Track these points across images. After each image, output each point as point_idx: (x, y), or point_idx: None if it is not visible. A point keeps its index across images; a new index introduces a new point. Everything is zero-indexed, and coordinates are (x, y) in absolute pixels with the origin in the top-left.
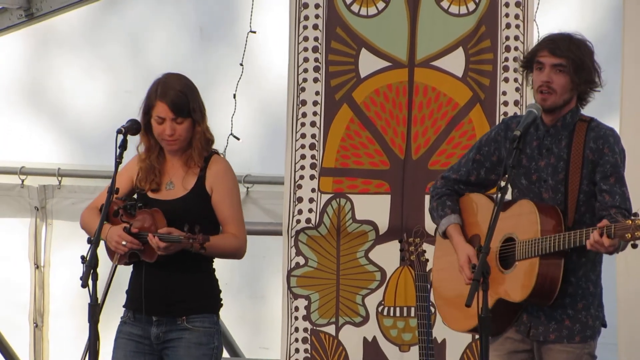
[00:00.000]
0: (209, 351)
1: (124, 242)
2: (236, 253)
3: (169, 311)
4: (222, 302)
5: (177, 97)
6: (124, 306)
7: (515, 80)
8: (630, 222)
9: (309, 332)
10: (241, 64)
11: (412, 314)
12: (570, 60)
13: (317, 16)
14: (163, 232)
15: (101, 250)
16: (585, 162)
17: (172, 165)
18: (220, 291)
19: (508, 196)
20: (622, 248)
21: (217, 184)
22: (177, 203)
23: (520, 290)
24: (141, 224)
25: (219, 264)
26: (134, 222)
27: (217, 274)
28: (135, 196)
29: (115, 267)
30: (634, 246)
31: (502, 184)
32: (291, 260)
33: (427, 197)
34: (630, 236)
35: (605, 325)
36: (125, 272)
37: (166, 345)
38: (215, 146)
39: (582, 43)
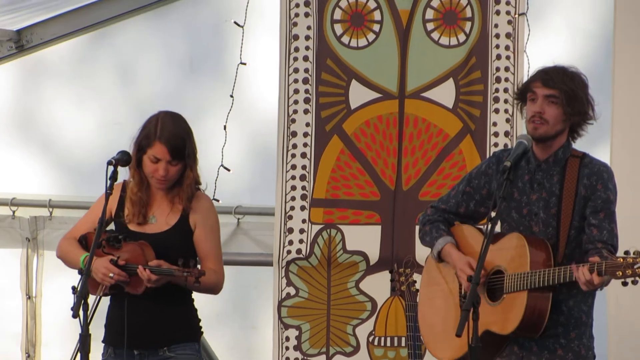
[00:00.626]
0: None
1: (111, 274)
2: (215, 288)
3: (150, 342)
4: (202, 329)
5: (176, 141)
6: (103, 342)
7: (506, 111)
8: (622, 260)
9: None
10: (231, 96)
11: (403, 344)
12: (563, 92)
13: (307, 48)
14: (154, 264)
15: None
16: (578, 198)
17: (156, 199)
18: (199, 320)
19: (497, 229)
20: (607, 284)
21: (201, 221)
22: (160, 237)
23: (508, 323)
24: (128, 255)
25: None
26: (120, 254)
27: (209, 304)
28: (112, 227)
29: (99, 299)
30: (625, 284)
31: (493, 214)
32: (282, 291)
33: (418, 228)
34: (621, 274)
35: (595, 357)
36: (102, 305)
37: None
38: (205, 178)
39: (576, 75)
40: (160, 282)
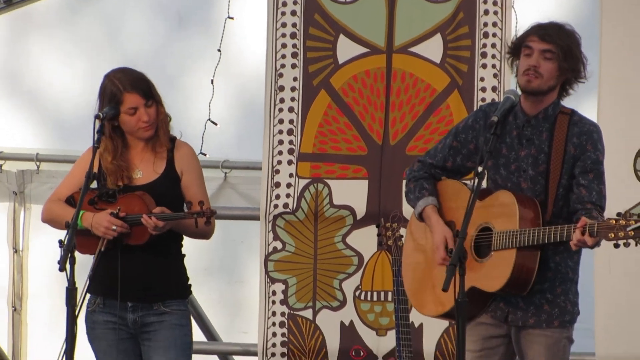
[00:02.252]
0: (189, 332)
1: (114, 227)
2: (208, 232)
3: (145, 296)
4: (191, 288)
5: (140, 84)
6: (89, 292)
7: (494, 66)
8: (614, 221)
9: (286, 317)
10: (219, 50)
11: (389, 299)
12: (559, 47)
13: (295, 2)
14: (157, 211)
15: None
16: (567, 156)
17: (135, 155)
18: (188, 278)
19: (483, 185)
20: (597, 245)
21: (187, 167)
22: (153, 185)
23: (495, 280)
24: (126, 207)
25: (199, 248)
26: (118, 206)
27: (197, 259)
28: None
29: (101, 253)
30: (616, 246)
31: (480, 169)
32: (269, 245)
33: (405, 183)
34: (613, 236)
35: (578, 313)
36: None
37: (145, 329)
38: (193, 131)
39: (571, 33)
40: (165, 229)
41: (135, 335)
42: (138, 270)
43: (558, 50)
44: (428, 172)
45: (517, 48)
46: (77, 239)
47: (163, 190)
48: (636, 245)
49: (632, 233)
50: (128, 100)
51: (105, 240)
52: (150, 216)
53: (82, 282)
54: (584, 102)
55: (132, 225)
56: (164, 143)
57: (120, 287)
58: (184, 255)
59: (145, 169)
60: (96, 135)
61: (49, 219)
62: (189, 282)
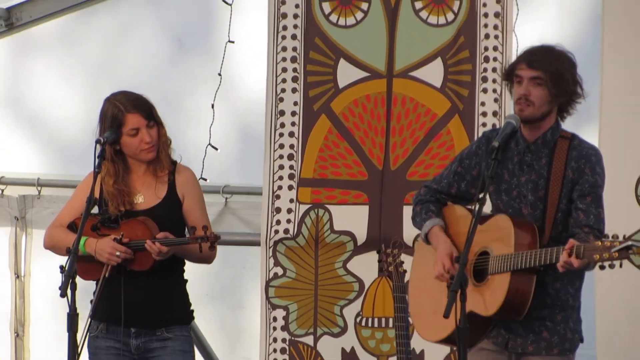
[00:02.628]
0: (191, 358)
1: (117, 253)
2: (209, 257)
3: (149, 322)
4: (193, 314)
5: (142, 105)
6: (91, 317)
7: (494, 91)
8: (600, 243)
9: (287, 343)
10: (219, 74)
11: (391, 325)
12: (548, 73)
13: (295, 26)
14: (160, 236)
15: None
16: (566, 181)
17: (137, 179)
18: (190, 304)
19: (488, 209)
20: (592, 267)
21: (188, 192)
22: (155, 210)
23: (490, 305)
24: (129, 233)
25: (200, 273)
26: (122, 232)
27: (198, 284)
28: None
29: (105, 279)
30: (602, 267)
31: (481, 195)
32: (269, 271)
33: (406, 208)
34: (598, 257)
35: (582, 340)
36: (88, 283)
37: (149, 355)
38: (193, 156)
39: (562, 54)
40: (169, 254)
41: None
42: (141, 296)
43: (546, 76)
44: (434, 196)
45: (510, 75)
46: (79, 265)
47: (164, 215)
48: (620, 266)
49: (617, 254)
50: (130, 121)
51: (109, 267)
52: (154, 242)
53: (83, 307)
54: (585, 127)
55: (135, 250)
56: (166, 166)
57: (124, 312)
58: (187, 281)
59: (147, 194)
60: (97, 160)
61: (51, 245)
62: (192, 308)
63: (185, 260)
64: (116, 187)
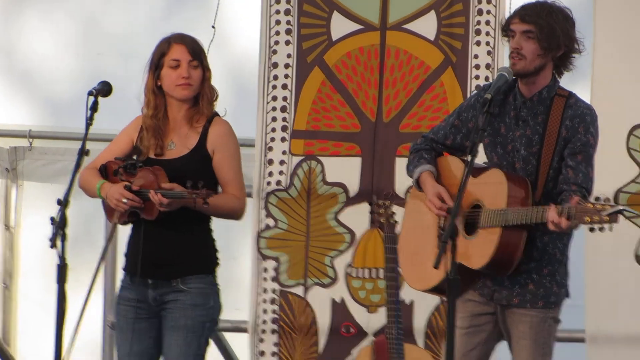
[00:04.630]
0: (205, 311)
1: (124, 200)
2: (235, 213)
3: (163, 273)
4: (218, 261)
5: (193, 42)
6: (123, 269)
7: (487, 43)
8: (592, 205)
9: (277, 293)
10: (213, 26)
11: (381, 276)
12: (538, 27)
13: None
14: (166, 187)
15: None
16: (560, 138)
17: (174, 124)
18: (216, 250)
19: (481, 160)
20: (576, 227)
21: (219, 146)
22: (177, 162)
23: (478, 258)
24: (143, 181)
25: None
26: (135, 180)
27: None
28: (135, 157)
29: (115, 226)
30: (592, 230)
31: (473, 147)
32: (261, 222)
33: (398, 160)
34: (589, 219)
35: (568, 295)
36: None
37: (163, 307)
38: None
39: (555, 9)
40: (173, 206)
41: (157, 312)
42: (157, 246)
43: (537, 30)
44: (430, 145)
45: (505, 31)
46: (105, 208)
47: (189, 167)
48: (610, 230)
49: (608, 218)
50: (173, 51)
51: (120, 213)
52: (157, 192)
53: (72, 258)
54: (577, 82)
55: (145, 200)
56: (205, 114)
57: (141, 263)
58: (211, 230)
59: (178, 142)
60: (89, 112)
61: (82, 186)
62: (217, 255)
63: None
64: (153, 121)
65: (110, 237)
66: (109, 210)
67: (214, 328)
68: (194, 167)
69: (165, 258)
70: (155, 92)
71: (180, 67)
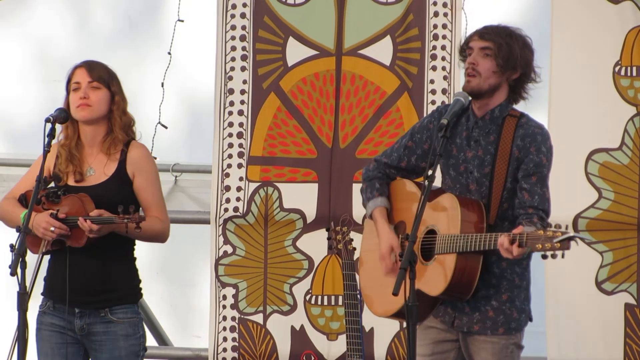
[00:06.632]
0: (136, 340)
1: (52, 228)
2: (161, 236)
3: (91, 302)
4: (141, 292)
5: (95, 64)
6: (42, 294)
7: (444, 68)
8: (542, 232)
9: (237, 321)
10: (169, 53)
11: (340, 303)
12: (497, 44)
13: (244, 5)
14: (94, 214)
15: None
16: (512, 159)
17: (90, 150)
18: (140, 281)
19: (438, 183)
20: (528, 255)
21: (139, 170)
22: (98, 188)
23: (437, 285)
24: (68, 209)
25: (149, 251)
26: (59, 207)
27: (147, 262)
28: (53, 184)
29: (43, 255)
30: (544, 257)
31: (430, 172)
32: (219, 249)
33: (355, 186)
34: (540, 247)
35: (531, 319)
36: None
37: (92, 338)
38: (142, 135)
39: (516, 33)
40: (102, 232)
41: (82, 341)
42: (83, 275)
43: (495, 47)
44: (382, 171)
45: (463, 50)
46: (27, 238)
47: (110, 193)
48: (562, 257)
49: (559, 245)
50: (74, 75)
51: (46, 242)
52: (86, 219)
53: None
54: (535, 106)
55: (72, 227)
56: (118, 142)
57: (68, 291)
58: (135, 258)
59: (97, 168)
60: (46, 139)
61: (1, 217)
62: (140, 285)
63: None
64: (67, 150)
65: (38, 268)
66: (32, 241)
67: (144, 356)
68: (116, 193)
69: (94, 287)
70: (68, 124)
71: (79, 89)
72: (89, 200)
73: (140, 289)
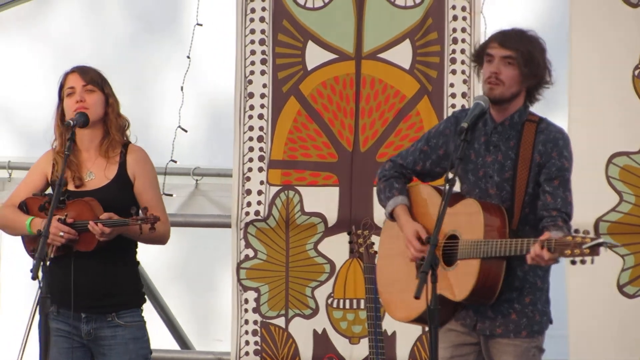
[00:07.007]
0: (144, 344)
1: (61, 233)
2: (164, 238)
3: (97, 306)
4: (145, 296)
5: (86, 68)
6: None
7: (463, 72)
8: (571, 238)
9: (259, 325)
10: (188, 57)
11: (362, 306)
12: (520, 53)
13: (263, 9)
14: (104, 217)
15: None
16: (533, 164)
17: (88, 154)
18: (142, 285)
19: (457, 189)
20: (557, 261)
21: (139, 172)
22: (100, 192)
23: (460, 290)
24: (74, 213)
25: (170, 256)
26: (66, 213)
27: (169, 266)
28: (50, 191)
29: (52, 260)
30: (573, 262)
31: (450, 176)
32: (240, 253)
33: (376, 190)
34: (570, 253)
35: (551, 322)
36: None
37: (100, 343)
38: (163, 139)
39: (534, 38)
40: (112, 235)
41: (89, 346)
42: (89, 280)
43: (519, 56)
44: (399, 171)
45: (480, 56)
46: (31, 245)
47: (113, 196)
48: (592, 262)
49: (588, 251)
50: (68, 80)
51: (54, 247)
52: (97, 223)
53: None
54: (554, 110)
55: (80, 232)
56: (117, 145)
57: (74, 296)
58: (138, 263)
59: (97, 173)
60: (67, 143)
61: (1, 225)
62: (143, 290)
63: (139, 242)
64: (61, 154)
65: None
66: (28, 242)
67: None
68: (117, 195)
69: (101, 292)
70: (61, 126)
71: (74, 94)
72: (97, 204)
73: (144, 293)
